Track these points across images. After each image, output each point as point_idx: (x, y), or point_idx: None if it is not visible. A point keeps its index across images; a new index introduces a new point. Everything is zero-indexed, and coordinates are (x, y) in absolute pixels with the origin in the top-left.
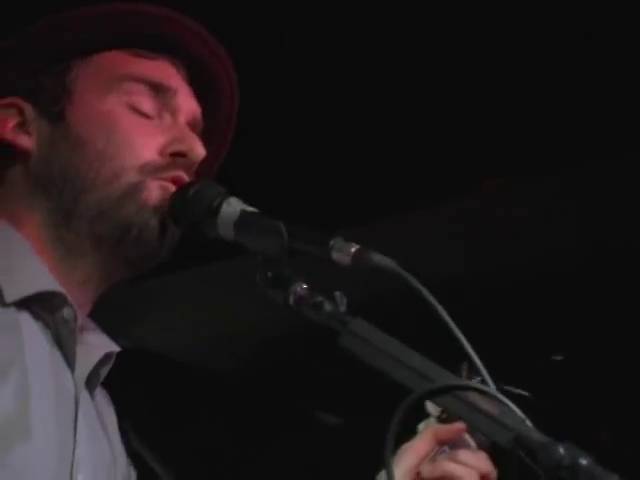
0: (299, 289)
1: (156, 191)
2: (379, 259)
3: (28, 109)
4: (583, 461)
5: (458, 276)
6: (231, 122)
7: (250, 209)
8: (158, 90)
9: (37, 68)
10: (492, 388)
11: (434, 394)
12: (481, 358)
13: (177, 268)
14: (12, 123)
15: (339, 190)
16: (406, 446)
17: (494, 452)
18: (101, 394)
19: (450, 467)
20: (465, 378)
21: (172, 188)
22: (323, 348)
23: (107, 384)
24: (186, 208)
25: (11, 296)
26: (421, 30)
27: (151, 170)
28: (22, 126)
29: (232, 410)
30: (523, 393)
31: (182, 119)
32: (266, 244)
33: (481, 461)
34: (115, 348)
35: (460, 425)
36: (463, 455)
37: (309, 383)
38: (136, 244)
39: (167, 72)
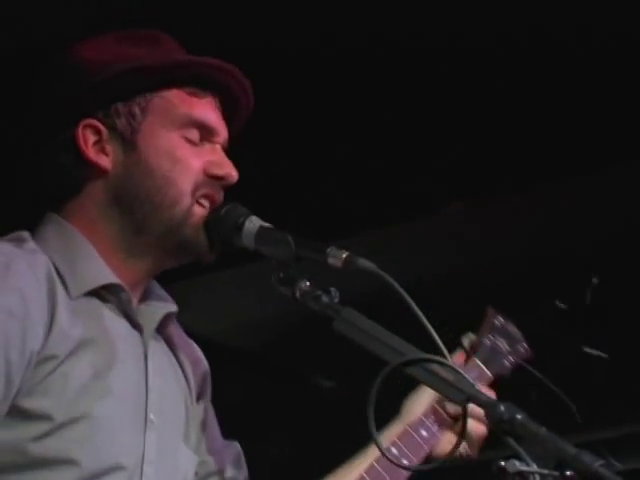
0: (303, 285)
1: (200, 213)
2: (363, 263)
3: (103, 131)
4: (519, 416)
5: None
6: (244, 122)
7: (267, 225)
8: (204, 128)
9: (114, 96)
10: (449, 361)
11: (405, 365)
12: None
13: (213, 269)
14: (91, 141)
15: (339, 206)
16: None
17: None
18: (173, 330)
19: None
20: (489, 317)
21: (207, 210)
22: (321, 330)
23: None
24: (219, 224)
25: (75, 292)
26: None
27: (197, 192)
28: (99, 144)
29: (251, 376)
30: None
31: (218, 147)
32: (278, 252)
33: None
34: (173, 309)
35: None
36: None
37: (310, 357)
38: (192, 255)
39: (210, 110)
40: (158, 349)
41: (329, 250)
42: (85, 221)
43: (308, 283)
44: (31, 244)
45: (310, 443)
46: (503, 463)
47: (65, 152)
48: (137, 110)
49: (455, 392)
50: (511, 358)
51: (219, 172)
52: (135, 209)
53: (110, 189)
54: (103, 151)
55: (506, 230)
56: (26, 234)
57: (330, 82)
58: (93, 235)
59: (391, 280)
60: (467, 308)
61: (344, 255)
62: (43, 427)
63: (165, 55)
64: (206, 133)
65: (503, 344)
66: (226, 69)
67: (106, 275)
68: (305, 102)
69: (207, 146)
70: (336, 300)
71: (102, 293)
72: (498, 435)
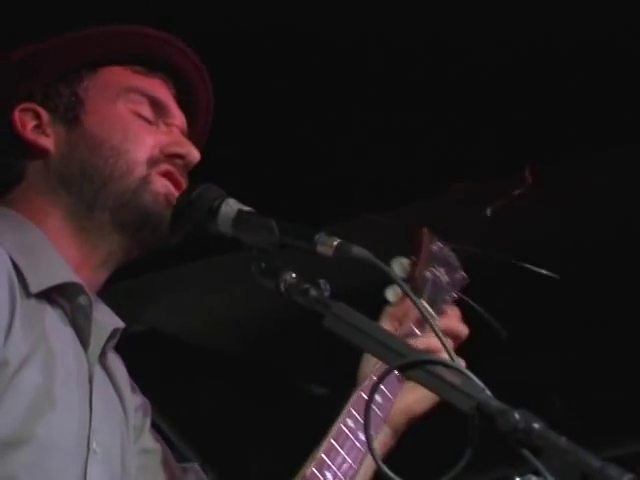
0: (288, 277)
1: (162, 184)
2: (357, 251)
3: (44, 114)
4: (536, 425)
5: None
6: (207, 126)
7: (246, 208)
8: (155, 104)
9: (52, 79)
10: (456, 363)
11: (406, 368)
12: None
13: (184, 260)
14: (30, 125)
15: (326, 190)
16: None
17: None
18: (112, 357)
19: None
20: (426, 243)
21: (172, 187)
22: (310, 329)
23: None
24: (190, 208)
25: (35, 287)
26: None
27: (154, 162)
28: (39, 128)
29: (233, 384)
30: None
31: (175, 129)
32: (260, 239)
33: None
34: (120, 324)
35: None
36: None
37: (299, 360)
38: (153, 230)
39: (161, 89)
40: (101, 373)
41: (318, 237)
42: (32, 210)
43: (294, 275)
44: None
45: (299, 460)
46: (519, 479)
47: (3, 139)
48: (78, 89)
49: (463, 398)
50: (451, 291)
51: (178, 150)
52: (83, 187)
53: (54, 170)
54: (44, 133)
55: (510, 214)
56: None
57: (322, 62)
58: (43, 225)
59: (390, 270)
60: (471, 298)
61: (335, 242)
62: None
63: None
64: (159, 111)
65: (443, 275)
66: (168, 40)
67: (67, 272)
68: (296, 79)
69: (163, 128)
70: (326, 294)
71: (54, 296)
72: (513, 447)
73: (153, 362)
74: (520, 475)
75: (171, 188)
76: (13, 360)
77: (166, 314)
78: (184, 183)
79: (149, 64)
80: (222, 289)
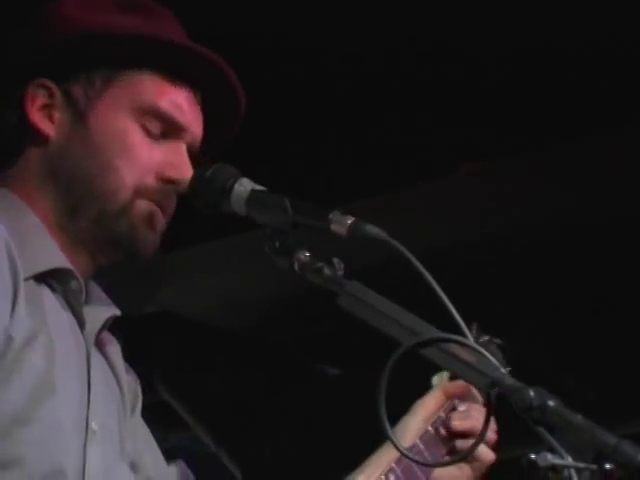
0: (302, 256)
1: (145, 211)
2: (371, 230)
3: (58, 95)
4: (551, 402)
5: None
6: (235, 128)
7: (259, 187)
8: (169, 123)
9: (77, 61)
10: (471, 340)
11: (420, 346)
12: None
13: (197, 241)
14: (40, 102)
15: (340, 170)
16: (419, 402)
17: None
18: (107, 336)
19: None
20: (474, 336)
21: (158, 210)
22: (324, 308)
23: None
24: (203, 187)
25: (27, 272)
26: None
27: (142, 192)
28: (48, 108)
29: (245, 364)
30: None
31: (183, 147)
32: (273, 218)
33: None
34: (116, 312)
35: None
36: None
37: (312, 340)
38: (124, 255)
39: (186, 103)
40: (97, 354)
41: (332, 215)
42: (26, 192)
43: (308, 253)
44: None
45: (312, 441)
46: (534, 456)
47: (11, 110)
48: (98, 82)
49: (477, 376)
50: None
51: (173, 175)
52: (70, 188)
53: (48, 159)
54: (50, 117)
55: (525, 194)
56: None
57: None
58: (34, 209)
59: (404, 249)
60: (485, 279)
61: (349, 221)
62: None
63: (149, 29)
64: (171, 128)
65: None
66: (215, 63)
67: (59, 258)
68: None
69: (170, 144)
70: (340, 273)
71: (49, 280)
72: (527, 424)
73: (166, 344)
74: (535, 452)
75: (155, 209)
76: (17, 338)
77: (179, 295)
78: (171, 207)
79: (178, 70)
80: (235, 269)
